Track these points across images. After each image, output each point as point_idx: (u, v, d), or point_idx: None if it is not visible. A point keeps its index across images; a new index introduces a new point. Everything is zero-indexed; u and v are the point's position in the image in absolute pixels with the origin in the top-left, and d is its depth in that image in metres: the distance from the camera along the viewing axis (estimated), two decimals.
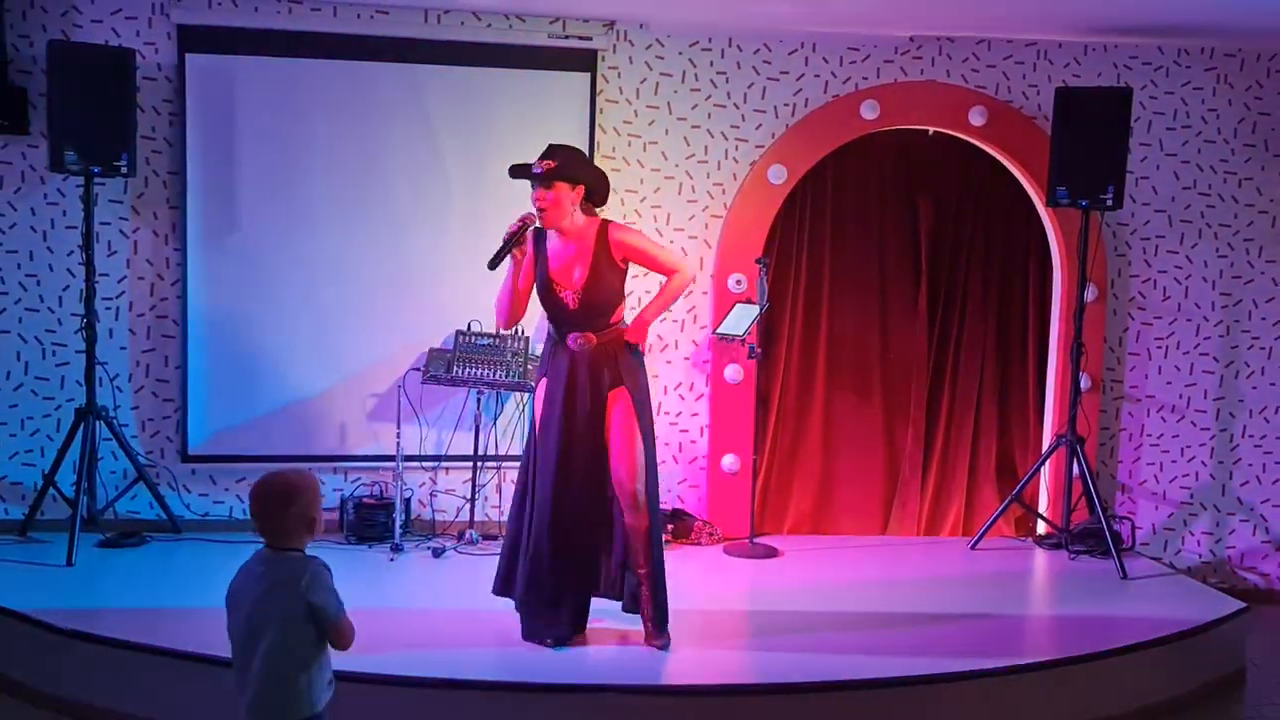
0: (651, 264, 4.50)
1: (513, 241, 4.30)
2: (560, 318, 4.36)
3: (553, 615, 4.40)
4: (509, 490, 5.94)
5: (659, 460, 4.73)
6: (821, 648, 4.52)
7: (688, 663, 4.35)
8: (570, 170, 4.28)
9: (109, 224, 5.65)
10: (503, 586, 4.55)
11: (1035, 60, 6.15)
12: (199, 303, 5.69)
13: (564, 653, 4.35)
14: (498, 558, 4.61)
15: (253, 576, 2.93)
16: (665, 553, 4.54)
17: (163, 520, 5.65)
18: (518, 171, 4.35)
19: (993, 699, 4.32)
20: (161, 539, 5.56)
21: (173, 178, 5.68)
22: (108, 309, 5.66)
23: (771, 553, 5.83)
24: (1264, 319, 6.33)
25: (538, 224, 4.31)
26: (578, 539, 4.38)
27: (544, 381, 4.43)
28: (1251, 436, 6.36)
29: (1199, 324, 6.32)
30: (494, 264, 4.35)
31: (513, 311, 4.43)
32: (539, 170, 4.24)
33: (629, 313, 4.58)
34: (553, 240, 4.37)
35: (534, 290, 4.43)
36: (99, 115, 5.24)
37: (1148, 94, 6.17)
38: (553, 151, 4.31)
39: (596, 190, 4.39)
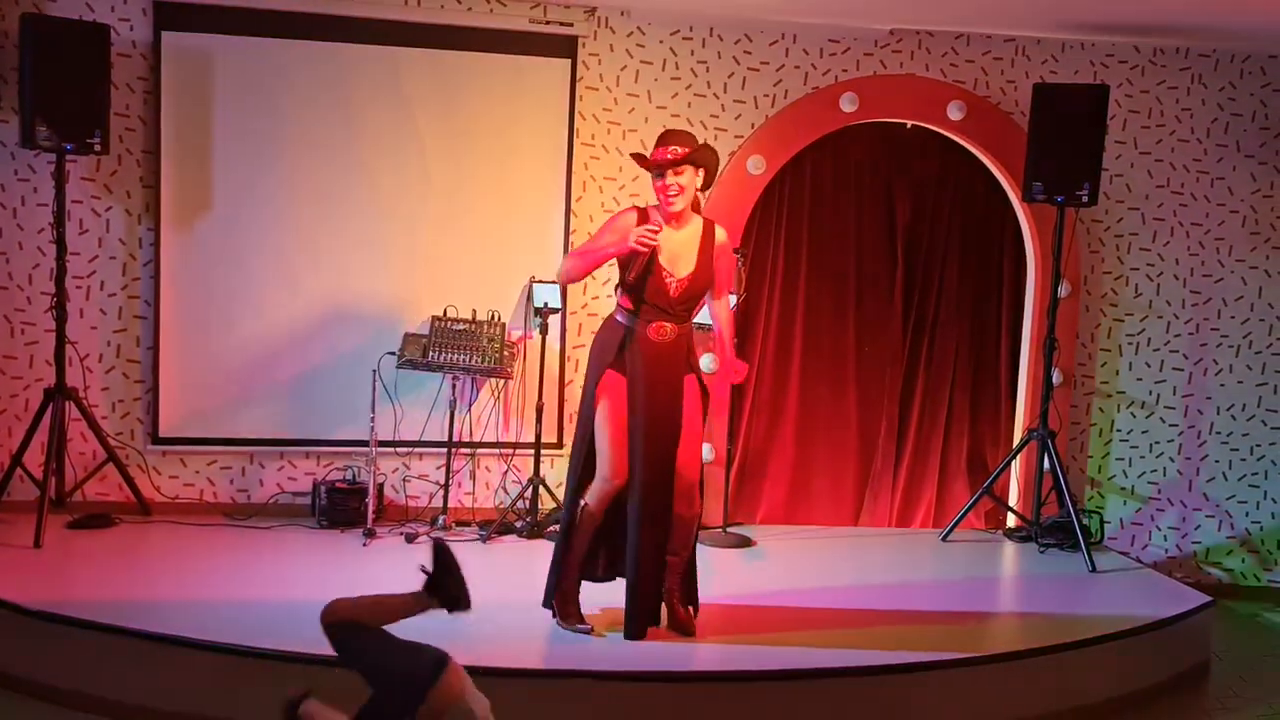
0: (725, 280, 4.47)
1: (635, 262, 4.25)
2: (657, 303, 4.28)
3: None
4: (483, 476, 5.96)
5: None
6: (793, 637, 4.54)
7: (659, 651, 4.35)
8: (701, 156, 4.27)
9: (80, 202, 5.58)
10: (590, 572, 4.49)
11: (1013, 56, 6.19)
12: (172, 283, 5.64)
13: (542, 637, 4.35)
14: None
15: None
16: None
17: (132, 502, 5.59)
18: (647, 160, 4.27)
19: (961, 690, 4.35)
20: (131, 521, 5.50)
21: (146, 156, 5.62)
22: (78, 288, 5.60)
23: (745, 542, 5.85)
24: (1233, 317, 6.41)
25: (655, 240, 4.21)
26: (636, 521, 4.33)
27: (609, 372, 4.31)
28: (1219, 433, 6.44)
29: (1169, 321, 6.38)
30: (632, 279, 4.28)
31: (585, 276, 4.55)
32: (671, 156, 4.20)
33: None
34: (671, 227, 4.30)
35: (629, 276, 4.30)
36: (72, 91, 5.17)
37: (1124, 92, 6.22)
38: (674, 137, 4.28)
39: (711, 176, 4.38)
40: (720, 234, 4.42)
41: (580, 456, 4.43)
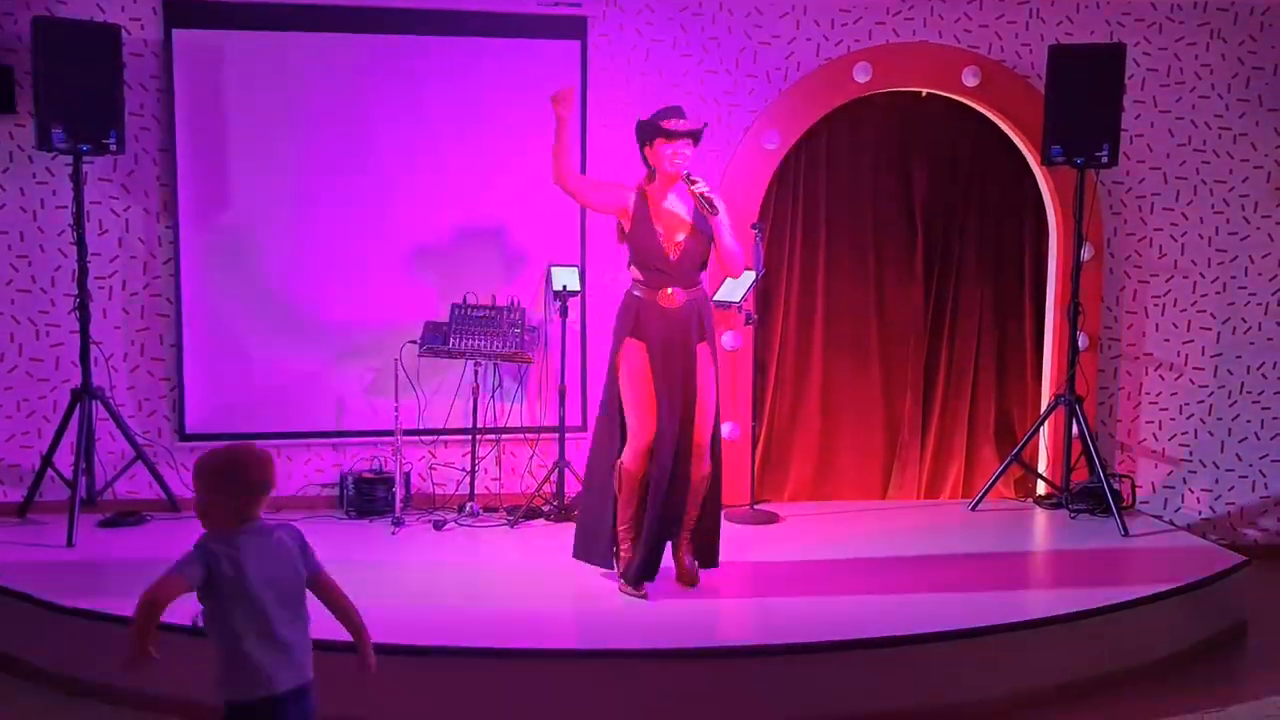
0: (734, 243, 4.63)
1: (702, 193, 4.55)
2: (660, 268, 4.58)
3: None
4: (508, 462, 5.97)
5: None
6: (826, 609, 4.54)
7: (690, 626, 4.36)
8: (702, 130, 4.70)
9: (99, 203, 5.61)
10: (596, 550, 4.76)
11: (1027, 19, 6.12)
12: (192, 280, 5.66)
13: (570, 618, 4.36)
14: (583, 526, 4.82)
15: (281, 545, 2.88)
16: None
17: (162, 499, 5.63)
18: (659, 127, 4.57)
19: (998, 656, 4.33)
20: (161, 518, 5.54)
21: (163, 155, 5.64)
22: (100, 288, 5.63)
23: (772, 519, 5.83)
24: (1260, 275, 6.32)
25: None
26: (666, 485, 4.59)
27: (628, 340, 4.61)
28: (1249, 393, 6.36)
29: (1195, 281, 6.31)
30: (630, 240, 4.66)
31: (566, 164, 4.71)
32: (695, 127, 4.60)
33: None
34: (662, 195, 4.62)
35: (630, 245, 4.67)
36: (86, 92, 5.20)
37: (1141, 50, 6.14)
38: (678, 110, 4.62)
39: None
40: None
41: (610, 424, 4.68)
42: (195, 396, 5.72)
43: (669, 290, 4.57)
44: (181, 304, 5.66)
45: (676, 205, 4.62)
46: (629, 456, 4.61)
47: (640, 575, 4.60)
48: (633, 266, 4.65)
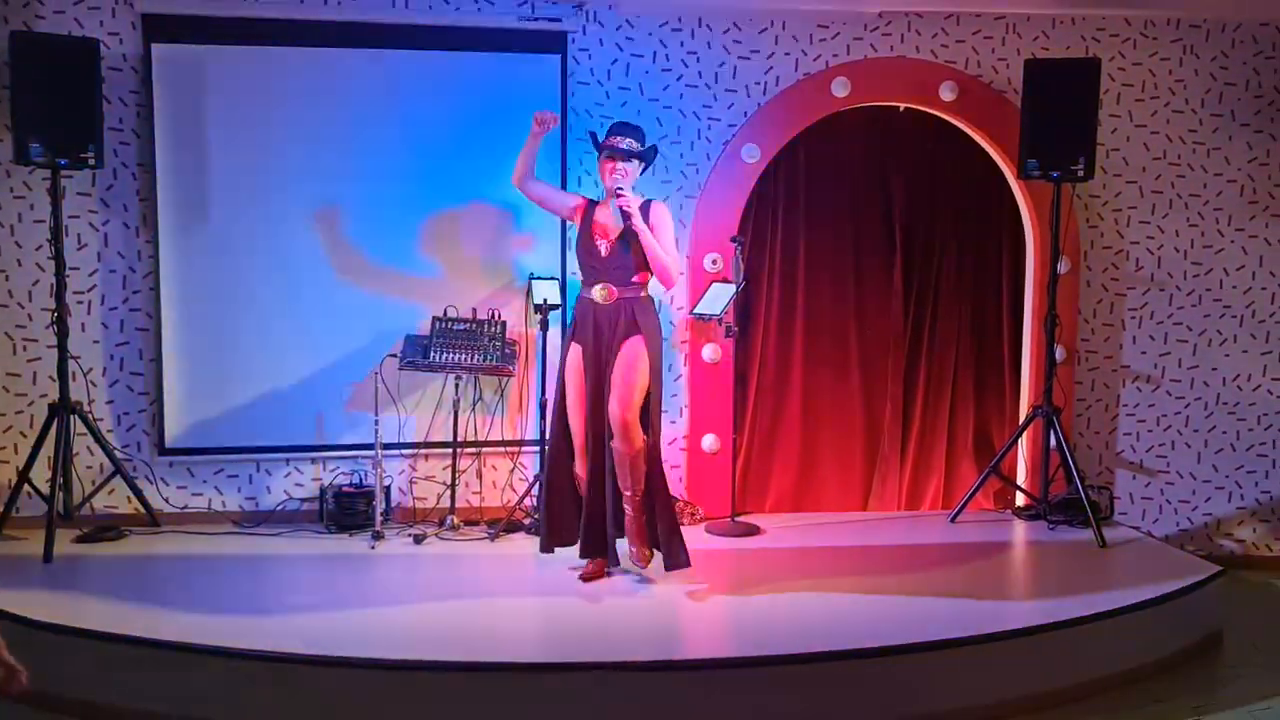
0: (656, 247, 4.90)
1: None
2: (591, 264, 4.97)
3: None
4: (489, 475, 5.97)
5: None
6: (806, 621, 4.55)
7: (671, 638, 4.36)
8: (649, 155, 5.07)
9: (78, 217, 5.60)
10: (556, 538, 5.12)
11: (1004, 34, 6.18)
12: (172, 295, 5.65)
13: (548, 630, 4.35)
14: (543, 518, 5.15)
15: None
16: None
17: (141, 515, 5.60)
18: (602, 145, 5.00)
19: (976, 668, 4.35)
20: (140, 533, 5.52)
21: (142, 169, 5.63)
22: (79, 303, 5.61)
23: (753, 531, 5.85)
24: (1235, 287, 6.39)
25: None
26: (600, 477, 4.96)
27: (571, 344, 5.01)
28: (1225, 404, 6.42)
29: (1171, 294, 6.37)
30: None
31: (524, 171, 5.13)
32: (625, 148, 4.95)
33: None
34: (605, 205, 5.04)
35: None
36: (64, 107, 5.18)
37: (1116, 65, 6.21)
38: (628, 129, 5.02)
39: (648, 166, 5.14)
40: (655, 205, 5.03)
41: (556, 422, 5.09)
42: (174, 411, 5.69)
43: (603, 286, 4.91)
44: (161, 318, 5.65)
45: (615, 213, 4.99)
46: (577, 461, 5.03)
47: (589, 550, 4.96)
48: (578, 270, 5.10)
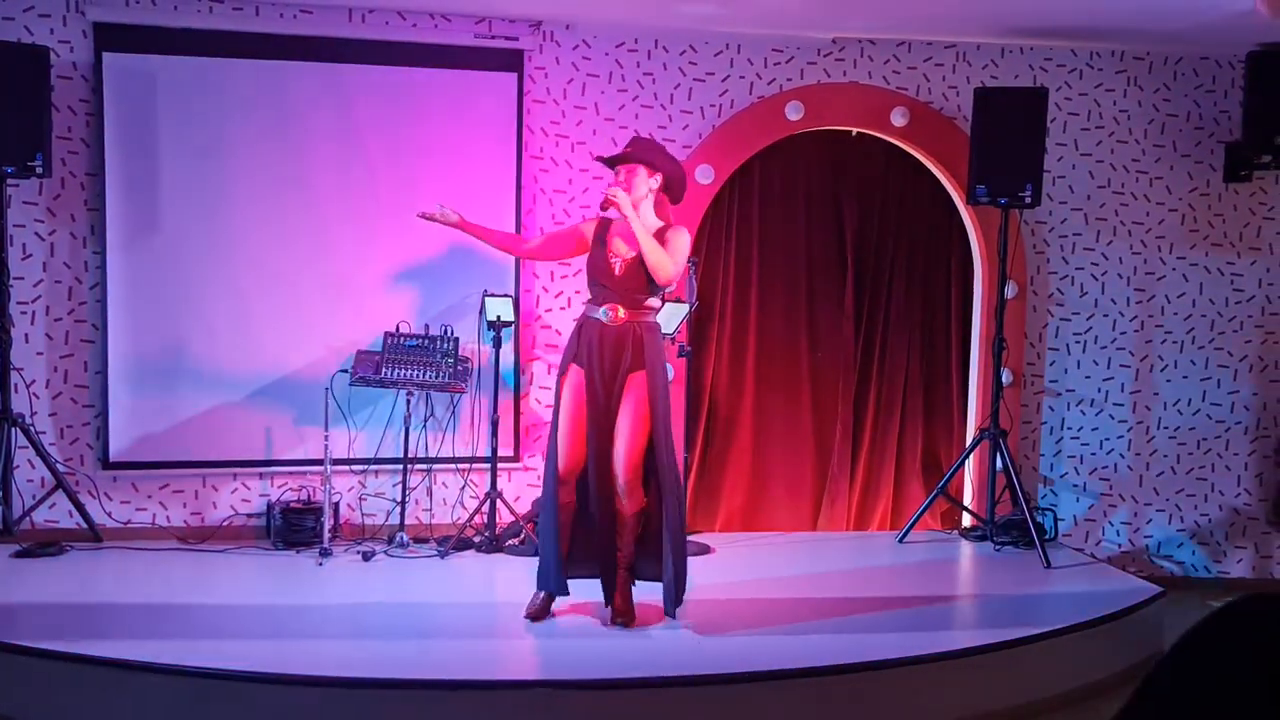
0: (649, 239, 4.52)
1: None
2: (603, 282, 4.62)
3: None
4: (439, 493, 5.93)
5: None
6: (754, 640, 4.56)
7: (624, 658, 4.35)
8: (647, 155, 4.66)
9: (23, 226, 5.51)
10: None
11: (954, 62, 6.29)
12: (119, 306, 5.57)
13: (503, 649, 4.33)
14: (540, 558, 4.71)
15: None
16: None
17: (83, 529, 5.51)
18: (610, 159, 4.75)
19: (919, 687, 4.38)
20: (82, 548, 5.43)
21: (90, 179, 5.56)
22: (23, 313, 5.52)
23: (704, 550, 5.86)
24: (1176, 314, 6.53)
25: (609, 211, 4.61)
26: (590, 511, 4.64)
27: (571, 366, 4.62)
28: (1166, 428, 6.55)
29: (1115, 319, 6.49)
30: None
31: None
32: (610, 155, 4.78)
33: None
34: (621, 221, 4.62)
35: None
36: (12, 114, 5.13)
37: (1063, 95, 6.33)
38: (639, 143, 4.79)
39: (673, 183, 4.71)
40: (671, 226, 4.66)
41: (551, 449, 4.67)
42: (120, 424, 5.61)
43: (611, 307, 4.57)
44: (107, 330, 5.57)
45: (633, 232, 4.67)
46: (548, 483, 4.66)
47: (542, 579, 4.61)
48: (587, 288, 4.76)
